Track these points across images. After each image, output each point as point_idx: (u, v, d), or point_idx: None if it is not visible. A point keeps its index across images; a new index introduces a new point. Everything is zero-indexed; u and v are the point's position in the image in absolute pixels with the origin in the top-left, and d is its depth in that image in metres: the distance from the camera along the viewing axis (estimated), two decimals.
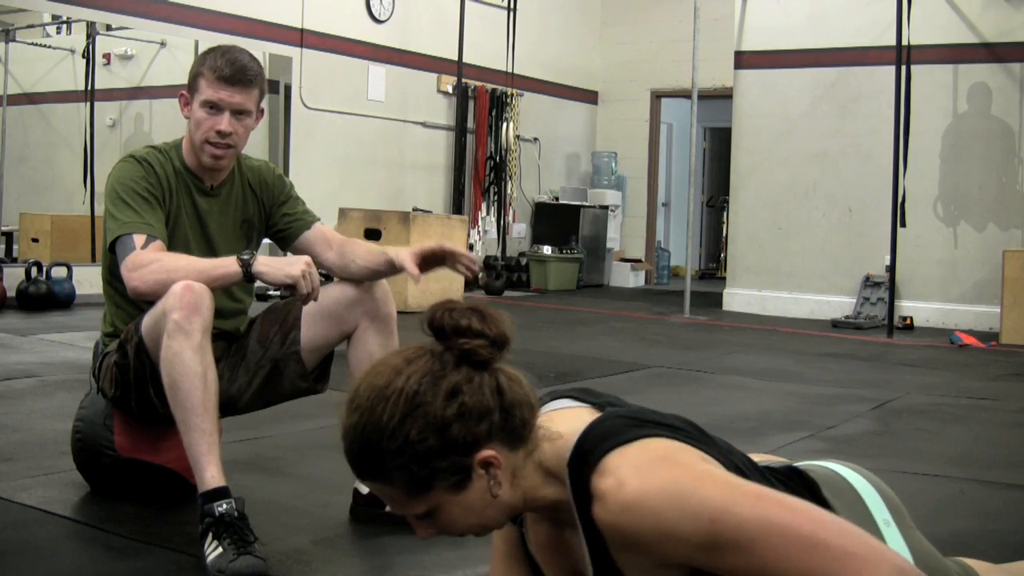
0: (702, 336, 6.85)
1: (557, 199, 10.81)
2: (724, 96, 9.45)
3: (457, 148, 9.82)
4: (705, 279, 12.78)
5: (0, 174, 7.90)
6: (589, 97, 11.65)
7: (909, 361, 5.91)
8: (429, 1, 9.53)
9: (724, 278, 9.85)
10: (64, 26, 8.23)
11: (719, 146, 13.20)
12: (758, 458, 1.52)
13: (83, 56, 7.87)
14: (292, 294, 2.33)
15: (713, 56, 9.11)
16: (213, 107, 2.45)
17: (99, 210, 6.34)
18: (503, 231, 10.13)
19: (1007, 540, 2.48)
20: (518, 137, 10.23)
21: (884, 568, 1.19)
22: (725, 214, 11.59)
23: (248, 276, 2.29)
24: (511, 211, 10.23)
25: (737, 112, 8.65)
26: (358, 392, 1.39)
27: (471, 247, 9.42)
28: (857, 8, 8.07)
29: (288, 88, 8.44)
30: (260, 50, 7.80)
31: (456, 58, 9.31)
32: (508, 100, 10.06)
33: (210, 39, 7.12)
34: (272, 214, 2.66)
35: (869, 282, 8.00)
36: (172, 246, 2.44)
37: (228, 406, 2.49)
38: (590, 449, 1.35)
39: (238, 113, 2.47)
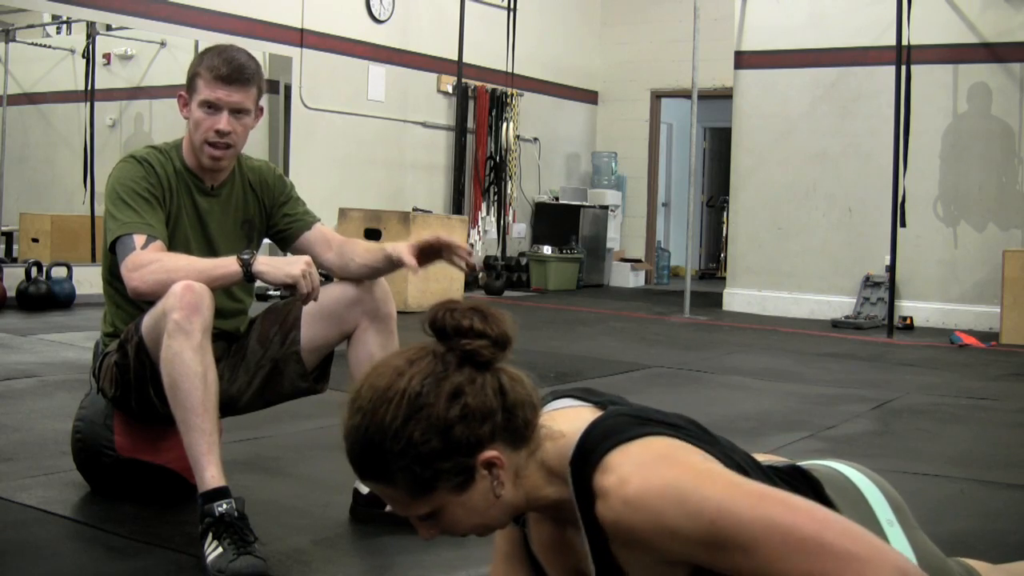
0: (702, 336, 6.85)
1: (557, 199, 10.81)
2: (724, 96, 9.45)
3: (457, 148, 9.81)
4: (705, 279, 12.77)
5: (0, 174, 7.90)
6: (589, 97, 11.65)
7: (909, 361, 5.90)
8: (429, 1, 9.52)
9: (724, 278, 9.85)
10: (64, 26, 8.22)
11: (719, 146, 13.19)
12: (761, 458, 1.52)
13: (83, 56, 7.87)
14: (292, 294, 2.33)
15: (713, 56, 9.11)
16: (211, 107, 2.45)
17: (99, 210, 6.35)
18: (503, 231, 10.12)
19: (1007, 540, 2.48)
20: (518, 137, 10.23)
21: (887, 569, 1.18)
22: (725, 214, 11.58)
23: (248, 276, 2.30)
24: (511, 211, 10.22)
25: (737, 112, 8.64)
26: (360, 393, 1.39)
27: (471, 247, 9.41)
28: (857, 8, 8.06)
29: (288, 88, 8.43)
30: (260, 50, 7.80)
31: (456, 58, 9.31)
32: (508, 100, 10.05)
33: (210, 39, 7.12)
34: (273, 214, 2.66)
35: (869, 282, 7.99)
36: (172, 246, 2.44)
37: (228, 406, 2.49)
38: (592, 447, 1.35)
39: (236, 112, 2.47)
